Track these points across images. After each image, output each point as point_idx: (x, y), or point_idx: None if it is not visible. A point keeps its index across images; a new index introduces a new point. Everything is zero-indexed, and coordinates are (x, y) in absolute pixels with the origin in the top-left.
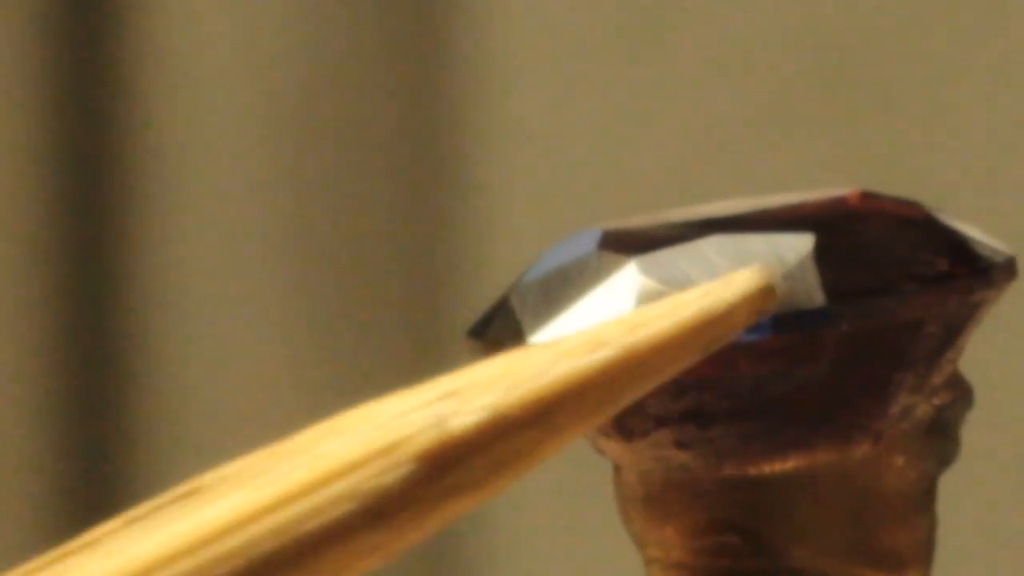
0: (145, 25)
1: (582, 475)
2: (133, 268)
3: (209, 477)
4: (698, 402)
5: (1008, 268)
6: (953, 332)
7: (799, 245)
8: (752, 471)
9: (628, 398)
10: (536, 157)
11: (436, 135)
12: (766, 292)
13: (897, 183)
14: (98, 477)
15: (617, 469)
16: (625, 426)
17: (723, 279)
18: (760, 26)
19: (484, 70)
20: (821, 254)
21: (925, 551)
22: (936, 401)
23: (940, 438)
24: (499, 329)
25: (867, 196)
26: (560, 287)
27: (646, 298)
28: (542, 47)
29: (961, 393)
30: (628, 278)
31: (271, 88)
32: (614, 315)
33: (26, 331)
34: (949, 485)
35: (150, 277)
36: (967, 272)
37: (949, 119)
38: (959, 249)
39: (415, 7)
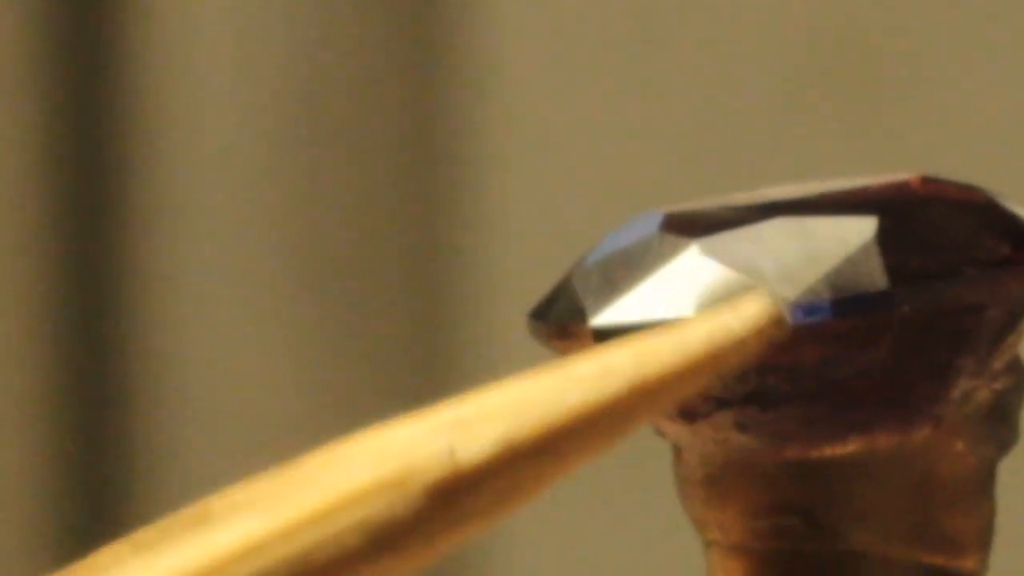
0: (145, 26)
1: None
2: (134, 271)
3: (218, 503)
4: (760, 385)
5: None
6: (1014, 317)
7: (862, 228)
8: (813, 454)
9: (636, 427)
10: (539, 159)
11: (438, 137)
12: (776, 323)
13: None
14: (98, 480)
15: (677, 451)
16: (686, 408)
17: (732, 306)
18: (761, 25)
19: (485, 71)
20: (883, 238)
21: (984, 536)
22: (996, 386)
23: (1000, 423)
24: (561, 311)
25: (929, 180)
26: (622, 269)
27: (708, 280)
28: (543, 47)
29: (1021, 378)
30: (690, 260)
31: (272, 90)
32: (675, 311)
33: (27, 334)
34: (1008, 471)
35: (151, 280)
36: None
37: (949, 117)
38: (1021, 234)
39: (416, 8)
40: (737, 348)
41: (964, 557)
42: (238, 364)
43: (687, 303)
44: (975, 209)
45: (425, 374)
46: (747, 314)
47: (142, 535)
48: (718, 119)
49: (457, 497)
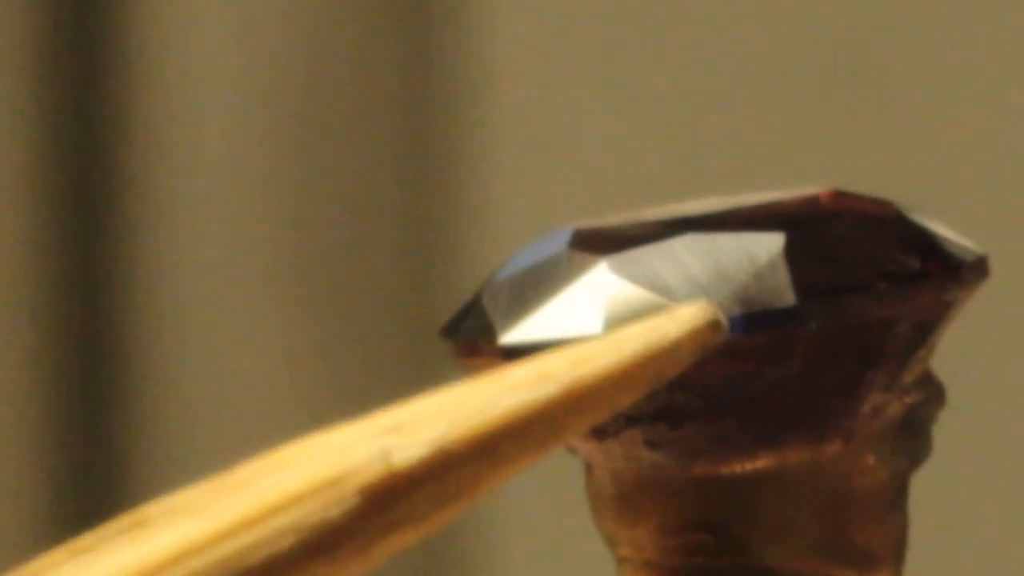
0: (145, 26)
1: (567, 475)
2: (132, 270)
3: (155, 508)
4: (669, 401)
5: (979, 267)
6: (925, 331)
7: (770, 244)
8: (723, 470)
9: (572, 432)
10: (536, 158)
11: (437, 136)
12: (712, 327)
13: (891, 182)
14: (96, 479)
15: (588, 468)
16: (596, 426)
17: (668, 312)
18: (761, 26)
19: (485, 70)
20: (792, 253)
21: (897, 550)
22: (908, 400)
23: (911, 437)
24: (471, 328)
25: (839, 195)
26: (531, 286)
27: (617, 298)
28: (542, 47)
29: (933, 392)
30: (599, 278)
31: (271, 89)
32: (585, 331)
33: (25, 333)
34: (920, 484)
35: (149, 279)
36: (939, 271)
37: (946, 119)
38: (931, 248)
39: (415, 7)
40: (673, 352)
41: (877, 571)
42: (236, 363)
43: (596, 321)
44: (885, 223)
45: (424, 374)
46: (683, 318)
47: (80, 540)
48: (718, 119)
49: (392, 500)
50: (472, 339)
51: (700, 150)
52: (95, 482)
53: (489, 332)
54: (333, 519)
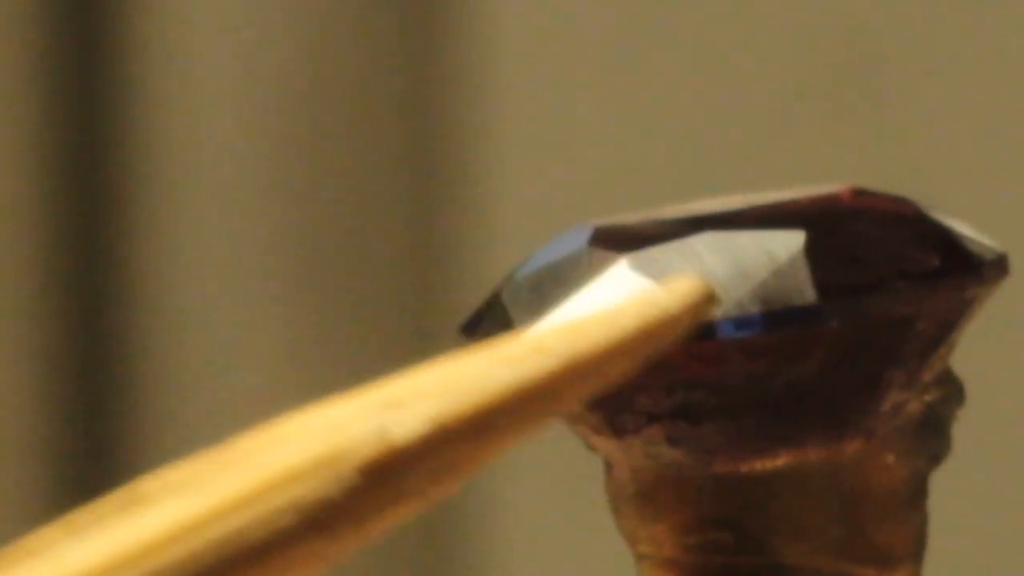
0: (146, 27)
1: (578, 470)
2: (133, 267)
3: (152, 484)
4: (689, 399)
5: (999, 265)
6: (944, 329)
7: (790, 242)
8: (743, 468)
9: (568, 405)
10: (537, 157)
11: (437, 135)
12: (707, 300)
13: (897, 180)
14: (96, 475)
15: (608, 466)
16: (616, 423)
17: (664, 286)
18: (761, 26)
19: (485, 70)
20: (812, 251)
21: (916, 548)
22: (927, 398)
23: (931, 435)
24: (491, 326)
25: (859, 193)
26: (551, 284)
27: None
28: (543, 47)
29: (952, 390)
30: (619, 275)
31: (270, 89)
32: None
33: (26, 331)
34: (940, 482)
35: (151, 276)
36: (958, 269)
37: (949, 116)
38: (950, 246)
39: (414, 10)
40: (669, 325)
41: (896, 569)
42: (239, 361)
43: None
44: (905, 221)
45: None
46: (679, 292)
47: (75, 517)
48: (718, 119)
49: (390, 476)
50: (492, 336)
51: (701, 150)
52: (96, 478)
53: (509, 329)
54: (332, 496)
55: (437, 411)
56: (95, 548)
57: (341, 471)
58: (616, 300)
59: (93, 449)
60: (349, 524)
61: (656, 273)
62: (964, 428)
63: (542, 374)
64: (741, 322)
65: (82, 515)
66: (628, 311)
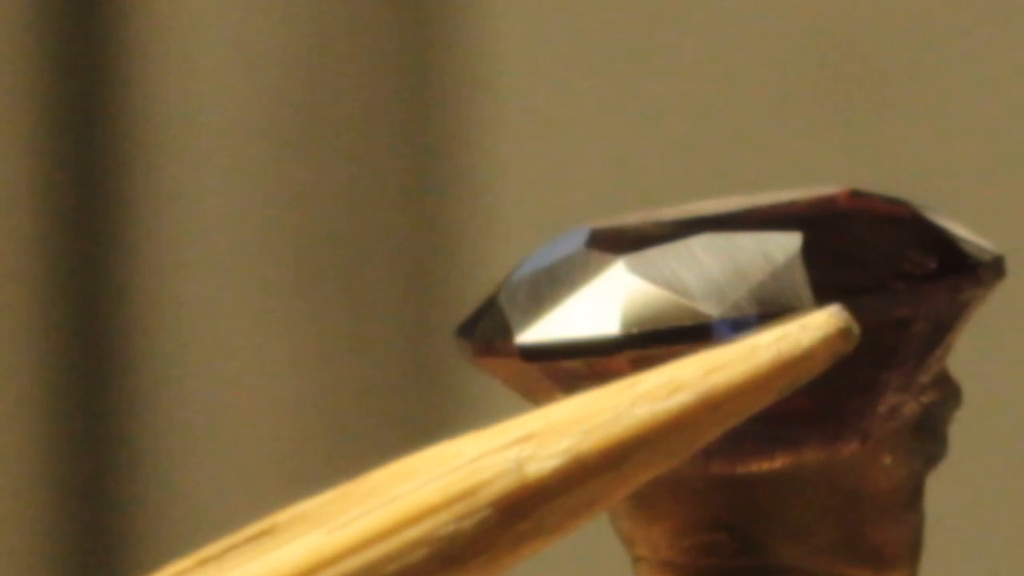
0: (145, 27)
1: None
2: (132, 270)
3: (284, 515)
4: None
5: (996, 267)
6: (941, 331)
7: (787, 244)
8: (740, 470)
9: (703, 442)
10: (536, 159)
11: (437, 135)
12: (844, 335)
13: (895, 182)
14: (96, 479)
15: None
16: None
17: (800, 320)
18: (761, 26)
19: (485, 70)
20: (809, 253)
21: (912, 550)
22: (924, 400)
23: (928, 437)
24: (487, 328)
25: (855, 195)
26: (548, 286)
27: (634, 297)
28: (542, 47)
29: (949, 392)
30: (616, 277)
31: (271, 89)
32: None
33: (25, 334)
34: (936, 484)
35: (149, 279)
36: (955, 271)
37: (948, 118)
38: (947, 248)
39: (413, 10)
40: (805, 360)
41: (892, 570)
42: (237, 363)
43: (613, 320)
44: (901, 223)
45: (423, 373)
46: (815, 326)
47: (207, 550)
48: (717, 119)
49: (524, 511)
50: (489, 339)
51: (700, 150)
52: (97, 485)
53: (506, 332)
54: (466, 531)
55: (572, 446)
56: None
57: (475, 506)
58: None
59: (93, 450)
60: (481, 559)
61: (653, 275)
62: (960, 430)
63: (679, 410)
64: (738, 324)
65: (212, 547)
66: (764, 347)
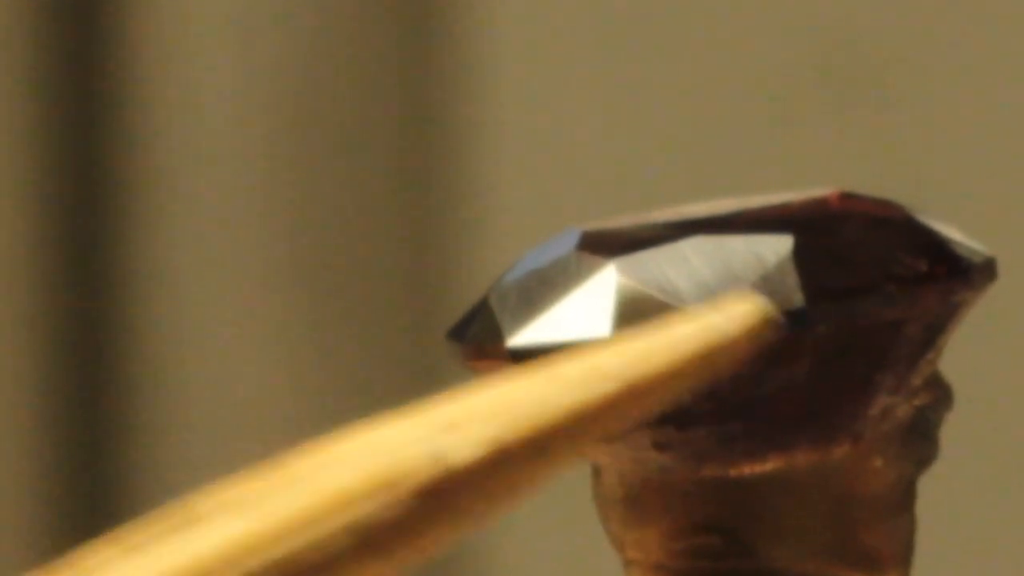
0: (144, 28)
1: (566, 475)
2: (132, 272)
3: (207, 503)
4: (677, 403)
5: (987, 269)
6: (933, 333)
7: (779, 246)
8: (732, 472)
9: (625, 429)
10: (534, 159)
11: (436, 138)
12: (767, 324)
13: (895, 182)
14: (96, 480)
15: (596, 470)
16: None
17: (721, 307)
18: (760, 27)
19: (483, 70)
20: (800, 255)
21: (904, 552)
22: (916, 402)
23: (919, 439)
24: (479, 331)
25: (847, 197)
26: (539, 288)
27: (625, 300)
28: (541, 47)
29: (941, 394)
30: (607, 280)
31: (268, 90)
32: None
33: (25, 336)
34: (928, 486)
35: (149, 281)
36: (946, 273)
37: (947, 118)
38: (939, 250)
39: (412, 10)
40: (728, 348)
41: (885, 573)
42: (234, 362)
43: (605, 323)
44: (893, 225)
45: (421, 373)
46: (738, 315)
47: (128, 536)
48: (716, 119)
49: (448, 498)
50: (479, 341)
51: (699, 151)
52: (95, 484)
53: (497, 334)
54: (389, 519)
55: (496, 433)
56: (150, 568)
57: (399, 494)
58: (676, 324)
59: (92, 451)
60: (405, 546)
61: (644, 278)
62: (952, 432)
63: (600, 397)
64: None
65: (135, 534)
66: (688, 336)
